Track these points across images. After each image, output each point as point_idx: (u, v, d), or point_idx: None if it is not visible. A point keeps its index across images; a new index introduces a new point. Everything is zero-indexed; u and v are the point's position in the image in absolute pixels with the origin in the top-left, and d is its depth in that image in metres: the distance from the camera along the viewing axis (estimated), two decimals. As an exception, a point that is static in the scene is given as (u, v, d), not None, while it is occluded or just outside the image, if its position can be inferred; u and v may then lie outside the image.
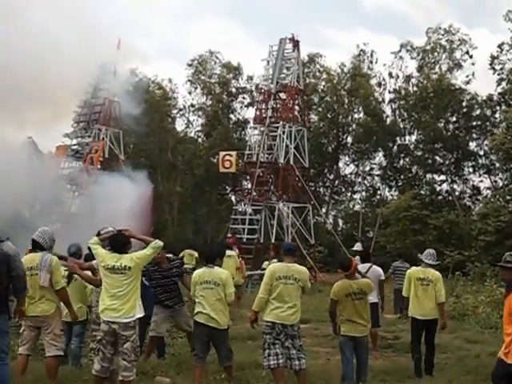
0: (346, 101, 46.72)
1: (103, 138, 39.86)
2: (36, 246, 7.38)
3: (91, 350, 7.84)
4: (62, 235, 25.91)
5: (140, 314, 7.12)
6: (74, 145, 41.11)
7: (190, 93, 51.38)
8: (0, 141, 33.58)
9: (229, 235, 31.58)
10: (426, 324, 9.27)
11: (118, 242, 7.18)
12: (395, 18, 73.41)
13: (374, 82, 47.06)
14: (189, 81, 50.95)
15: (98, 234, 7.64)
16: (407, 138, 46.76)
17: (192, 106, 51.79)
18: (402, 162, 47.41)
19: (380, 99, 46.96)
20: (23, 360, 7.50)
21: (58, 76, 32.75)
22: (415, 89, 45.18)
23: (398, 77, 46.47)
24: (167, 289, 9.33)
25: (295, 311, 7.81)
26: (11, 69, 27.11)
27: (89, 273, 8.07)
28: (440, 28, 44.19)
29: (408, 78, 45.84)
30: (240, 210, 36.10)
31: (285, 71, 36.79)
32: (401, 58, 45.62)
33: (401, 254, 21.36)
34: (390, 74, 46.40)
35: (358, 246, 16.53)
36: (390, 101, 46.77)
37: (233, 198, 46.48)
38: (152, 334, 9.38)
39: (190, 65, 50.79)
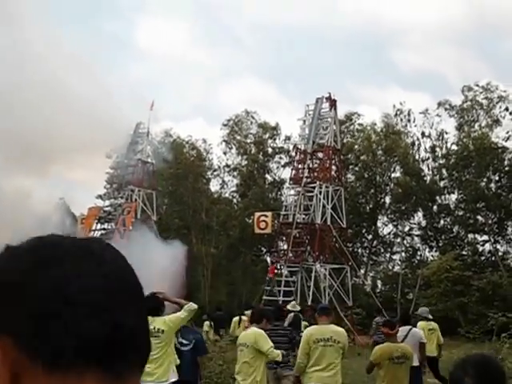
0: (383, 159, 46.74)
1: (136, 200, 40.34)
2: None
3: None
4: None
5: (174, 378, 7.08)
6: (107, 206, 41.73)
7: (225, 153, 52.06)
8: (31, 202, 34.33)
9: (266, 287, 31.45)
10: None
11: (152, 305, 7.19)
12: (429, 76, 73.99)
13: (408, 140, 47.06)
14: (224, 141, 51.66)
15: None
16: (447, 197, 46.35)
17: (227, 166, 52.36)
18: (442, 221, 46.88)
19: (417, 158, 46.84)
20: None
21: (90, 137, 33.59)
22: (454, 147, 45.05)
23: (430, 135, 46.39)
24: None
25: (335, 373, 7.69)
26: (42, 130, 27.91)
27: None
28: (478, 85, 44.34)
29: (441, 136, 45.78)
30: (276, 271, 35.94)
31: (321, 131, 37.11)
32: (438, 115, 45.67)
33: (379, 310, 23.34)
34: (423, 134, 46.39)
35: (422, 311, 15.48)
36: (429, 159, 46.61)
37: (268, 259, 46.28)
38: None
39: (225, 125, 51.58)
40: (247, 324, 22.25)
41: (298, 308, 18.41)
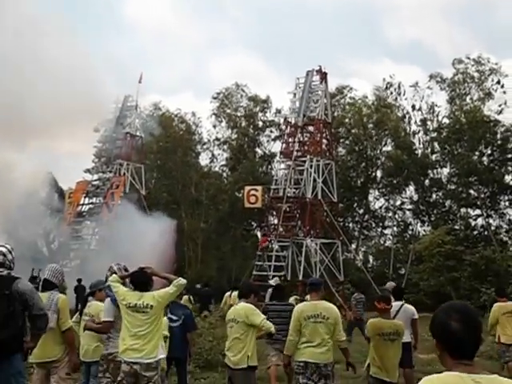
0: (374, 133, 46.66)
1: (124, 174, 40.21)
2: (48, 286, 7.34)
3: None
4: (82, 272, 26.02)
5: (162, 354, 7.02)
6: (95, 180, 41.59)
7: (214, 126, 51.88)
8: (19, 175, 34.21)
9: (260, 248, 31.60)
10: None
11: (140, 280, 7.13)
12: (420, 49, 73.84)
13: (399, 114, 46.98)
14: (214, 114, 51.45)
15: (108, 270, 7.61)
16: (439, 171, 46.42)
17: (217, 139, 52.20)
18: (434, 196, 46.99)
19: (409, 131, 46.78)
20: (34, 400, 7.44)
21: (76, 109, 33.36)
22: (446, 121, 45.01)
23: (420, 108, 46.29)
24: None
25: (327, 350, 7.67)
26: (25, 98, 27.68)
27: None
28: (469, 58, 44.15)
29: (432, 109, 45.69)
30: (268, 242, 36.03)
31: (312, 104, 36.96)
32: (429, 88, 45.51)
33: (357, 286, 24.60)
34: (414, 107, 46.31)
35: (389, 285, 16.15)
36: (420, 133, 46.58)
37: (258, 234, 46.36)
38: None
39: (215, 98, 51.31)
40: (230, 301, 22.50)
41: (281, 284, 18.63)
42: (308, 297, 15.25)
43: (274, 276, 31.36)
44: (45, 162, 38.91)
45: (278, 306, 11.06)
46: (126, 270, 7.53)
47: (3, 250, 5.90)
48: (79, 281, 24.30)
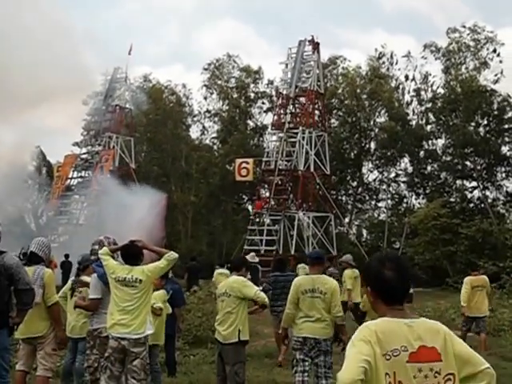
0: (367, 104, 46.50)
1: (114, 147, 40.11)
2: (34, 260, 7.30)
3: (87, 368, 7.68)
4: (70, 247, 26.03)
5: (150, 330, 7.02)
6: (84, 153, 41.48)
7: (205, 98, 51.55)
8: (4, 149, 34.04)
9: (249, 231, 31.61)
10: None
11: (130, 254, 7.10)
12: (413, 18, 73.34)
13: (392, 84, 46.79)
14: (205, 85, 51.09)
15: (94, 243, 7.58)
16: (434, 142, 46.40)
17: (207, 111, 51.94)
18: (429, 167, 46.99)
19: (403, 102, 46.65)
20: (19, 377, 7.40)
21: (65, 80, 33.10)
22: (441, 91, 44.88)
23: (414, 78, 46.11)
24: None
25: (327, 324, 7.66)
26: (12, 71, 27.45)
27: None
28: (464, 27, 43.83)
29: (426, 79, 45.55)
30: (257, 219, 36.06)
31: (304, 74, 36.79)
32: (424, 58, 45.26)
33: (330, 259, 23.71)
34: (407, 77, 46.15)
35: (346, 258, 15.98)
36: (413, 103, 46.47)
37: (250, 207, 46.41)
38: None
39: (206, 69, 50.90)
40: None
41: (257, 260, 18.88)
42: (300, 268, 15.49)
43: (266, 250, 31.56)
44: (32, 136, 38.69)
45: (281, 277, 11.37)
46: (115, 244, 7.50)
47: None
48: (66, 256, 24.33)
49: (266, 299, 7.84)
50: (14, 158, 49.82)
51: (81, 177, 40.89)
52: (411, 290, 10.77)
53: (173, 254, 7.10)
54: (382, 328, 2.91)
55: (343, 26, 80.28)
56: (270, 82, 49.85)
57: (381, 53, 46.39)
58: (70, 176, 40.60)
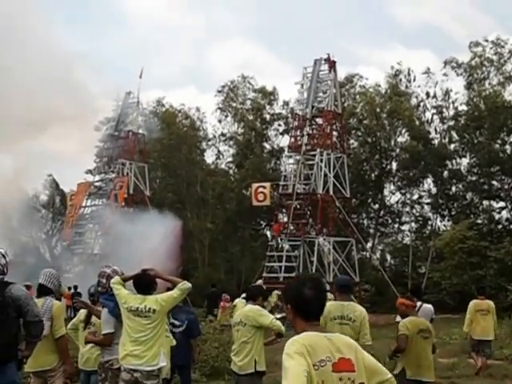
0: (387, 123, 46.42)
1: (127, 174, 40.34)
2: (43, 291, 7.38)
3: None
4: (86, 278, 26.17)
5: (164, 362, 7.05)
6: (97, 181, 41.78)
7: (219, 121, 51.79)
8: (17, 179, 34.43)
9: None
10: None
11: (143, 283, 7.14)
12: (431, 32, 73.28)
13: (413, 102, 46.70)
14: (219, 108, 51.34)
15: (100, 276, 7.61)
16: (459, 161, 46.15)
17: (222, 135, 52.15)
18: (454, 188, 46.72)
19: (424, 120, 46.53)
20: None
21: (76, 106, 33.51)
22: (463, 107, 44.72)
23: (435, 95, 45.98)
24: None
25: None
26: (20, 98, 27.83)
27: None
28: (487, 41, 43.75)
29: (448, 96, 45.42)
30: (276, 246, 36.02)
31: (321, 94, 36.90)
32: (445, 75, 45.19)
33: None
34: (428, 94, 46.06)
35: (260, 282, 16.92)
36: (435, 121, 46.33)
37: (268, 233, 46.35)
38: None
39: (220, 91, 51.23)
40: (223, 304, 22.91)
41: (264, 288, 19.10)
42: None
43: (285, 277, 31.44)
44: (44, 164, 39.15)
45: None
46: (122, 274, 7.55)
47: None
48: (75, 288, 24.45)
49: (283, 328, 7.85)
50: (27, 187, 50.48)
51: (94, 205, 41.14)
52: (433, 316, 10.72)
53: (186, 284, 7.13)
54: (308, 341, 3.29)
55: (358, 42, 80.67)
56: (286, 103, 50.12)
57: (397, 70, 46.47)
58: (83, 204, 40.85)
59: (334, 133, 37.46)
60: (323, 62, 37.05)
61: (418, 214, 48.49)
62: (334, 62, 36.91)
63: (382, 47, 76.98)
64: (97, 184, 41.57)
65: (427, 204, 47.95)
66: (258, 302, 8.09)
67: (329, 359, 3.26)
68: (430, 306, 10.78)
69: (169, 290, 7.44)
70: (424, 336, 7.98)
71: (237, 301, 18.59)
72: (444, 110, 45.86)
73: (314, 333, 3.35)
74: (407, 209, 48.34)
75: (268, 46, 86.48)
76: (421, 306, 10.19)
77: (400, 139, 47.05)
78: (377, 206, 48.93)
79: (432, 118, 46.34)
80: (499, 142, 43.43)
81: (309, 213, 35.24)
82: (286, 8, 78.93)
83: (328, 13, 78.26)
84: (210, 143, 52.96)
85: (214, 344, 13.45)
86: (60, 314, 7.32)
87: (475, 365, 12.61)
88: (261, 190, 36.41)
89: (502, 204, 44.94)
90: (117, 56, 74.03)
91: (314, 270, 33.03)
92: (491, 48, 43.78)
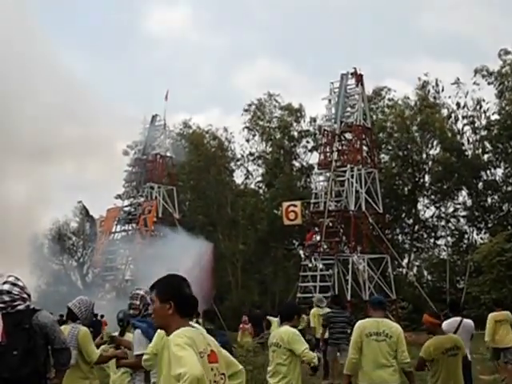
0: (418, 136, 46.14)
1: (156, 197, 40.52)
2: (69, 316, 7.35)
3: None
4: (117, 305, 26.20)
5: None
6: (126, 206, 42.04)
7: (247, 140, 51.86)
8: (46, 206, 34.84)
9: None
10: None
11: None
12: (458, 41, 72.85)
13: (443, 112, 46.42)
14: (246, 127, 51.45)
15: (132, 298, 7.52)
16: (493, 172, 45.67)
17: (251, 154, 52.21)
18: (490, 199, 46.23)
19: (456, 131, 46.16)
20: None
21: (104, 131, 33.86)
22: (496, 117, 44.30)
23: (466, 105, 45.58)
24: None
25: (394, 370, 7.50)
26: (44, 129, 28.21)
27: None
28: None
29: (480, 105, 45.02)
30: (310, 265, 35.80)
31: (349, 109, 36.82)
32: (476, 84, 44.85)
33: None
34: (458, 104, 45.71)
35: (318, 297, 18.67)
36: (467, 132, 45.95)
37: (301, 252, 46.11)
38: None
39: (246, 110, 51.36)
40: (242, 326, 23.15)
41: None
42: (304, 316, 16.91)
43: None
44: (73, 191, 39.63)
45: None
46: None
47: (5, 287, 5.80)
48: (95, 316, 24.43)
49: (315, 359, 7.71)
50: (57, 214, 51.04)
51: (124, 230, 41.39)
52: (473, 331, 10.51)
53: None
54: (190, 334, 3.70)
55: (385, 55, 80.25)
56: (313, 120, 50.06)
57: (425, 81, 46.28)
58: (113, 230, 41.10)
59: (364, 148, 37.32)
60: (350, 76, 37.00)
61: (453, 228, 48.03)
62: (361, 76, 36.82)
63: (409, 59, 76.66)
64: (126, 209, 41.82)
65: (463, 217, 47.49)
66: (293, 323, 7.92)
67: (205, 351, 3.72)
68: (470, 321, 10.56)
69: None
70: (452, 354, 7.80)
71: (271, 318, 18.65)
72: (476, 119, 45.47)
73: (190, 328, 3.79)
74: (442, 223, 47.88)
75: (293, 62, 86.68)
76: (461, 321, 10.02)
77: (432, 152, 46.81)
78: (411, 220, 48.50)
79: (463, 129, 46.01)
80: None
81: (341, 230, 35.03)
82: (308, 24, 79.11)
83: (352, 26, 78.25)
84: (238, 163, 53.08)
85: (248, 367, 13.28)
86: (87, 341, 7.24)
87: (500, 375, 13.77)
88: (292, 208, 36.35)
89: (540, 214, 44.36)
90: (142, 78, 74.68)
91: (349, 289, 32.78)
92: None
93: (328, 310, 15.78)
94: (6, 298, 5.54)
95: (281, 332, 7.84)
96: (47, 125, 29.28)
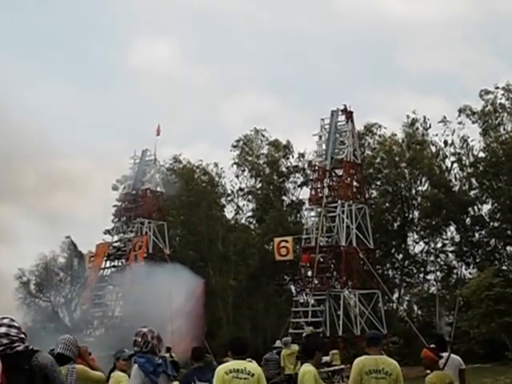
0: (407, 172, 46.64)
1: (146, 233, 40.42)
2: (62, 361, 7.40)
3: None
4: (106, 342, 26.13)
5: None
6: (116, 241, 41.88)
7: (237, 176, 51.98)
8: (32, 241, 34.82)
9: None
10: None
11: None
12: (440, 78, 74.13)
13: (431, 150, 46.98)
14: (235, 163, 51.65)
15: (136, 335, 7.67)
16: (480, 207, 46.05)
17: (241, 189, 52.30)
18: (477, 235, 46.49)
19: (444, 168, 46.70)
20: None
21: (92, 167, 34.05)
22: (482, 154, 44.89)
23: (453, 143, 46.29)
24: None
25: None
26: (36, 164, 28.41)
27: None
28: (497, 88, 44.16)
29: (466, 143, 45.67)
30: (301, 301, 35.85)
31: (339, 145, 37.24)
32: (461, 123, 45.54)
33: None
34: (446, 142, 46.40)
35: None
36: (455, 169, 46.50)
37: (292, 288, 46.08)
38: None
39: (235, 146, 51.58)
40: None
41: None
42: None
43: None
44: (62, 226, 39.53)
45: None
46: (158, 338, 7.56)
47: (2, 330, 5.81)
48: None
49: None
50: (44, 250, 50.75)
51: (114, 266, 41.20)
52: (463, 366, 10.63)
53: None
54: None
55: (371, 92, 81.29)
56: (301, 155, 50.35)
57: (413, 119, 46.95)
58: (102, 266, 40.92)
59: (355, 183, 37.70)
60: (340, 112, 37.52)
61: (442, 263, 48.22)
62: (351, 113, 37.38)
63: (395, 95, 77.81)
64: (116, 244, 41.65)
65: (451, 252, 47.73)
66: (315, 360, 7.91)
67: None
68: (457, 357, 10.63)
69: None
70: None
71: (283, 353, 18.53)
72: (463, 157, 46.05)
73: None
74: (432, 258, 48.13)
75: (280, 97, 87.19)
76: (448, 356, 10.08)
77: (420, 188, 47.24)
78: (401, 255, 48.67)
79: (452, 166, 46.57)
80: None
81: (333, 266, 35.22)
82: (296, 60, 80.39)
83: (340, 62, 79.51)
84: (228, 198, 53.14)
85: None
86: (87, 372, 7.45)
87: None
88: (283, 244, 36.54)
89: (527, 249, 44.68)
90: (129, 113, 75.04)
91: (340, 324, 32.85)
92: (502, 94, 44.30)
93: (297, 347, 15.82)
94: (5, 341, 5.48)
95: (302, 372, 7.63)
96: (33, 163, 29.49)
